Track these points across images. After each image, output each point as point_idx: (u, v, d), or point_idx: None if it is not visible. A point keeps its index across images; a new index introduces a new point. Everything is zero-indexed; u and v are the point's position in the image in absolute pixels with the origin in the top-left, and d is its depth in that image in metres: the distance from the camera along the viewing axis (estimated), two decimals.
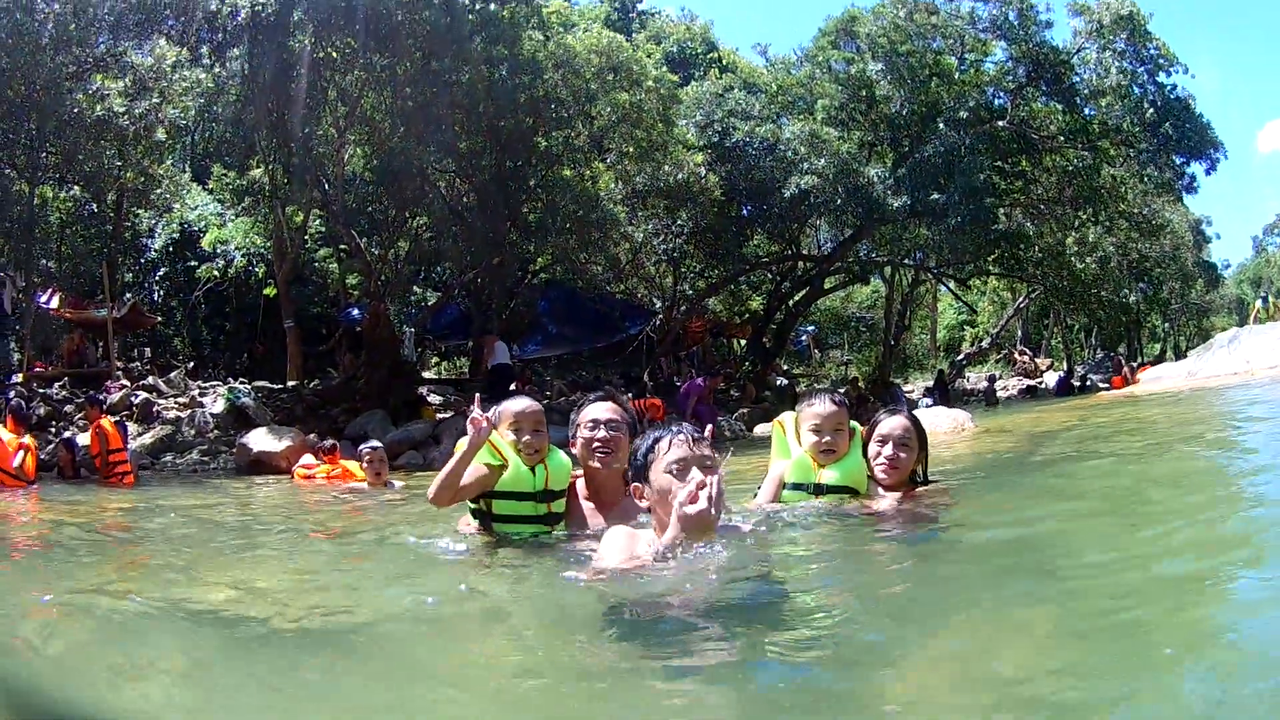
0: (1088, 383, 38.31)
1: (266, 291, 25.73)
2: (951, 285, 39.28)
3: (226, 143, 21.10)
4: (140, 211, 26.73)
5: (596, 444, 4.61)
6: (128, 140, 18.56)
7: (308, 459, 13.05)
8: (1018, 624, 2.82)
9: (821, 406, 4.90)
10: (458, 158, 20.72)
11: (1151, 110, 29.25)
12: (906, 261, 34.59)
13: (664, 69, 23.88)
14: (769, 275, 35.83)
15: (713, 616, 2.98)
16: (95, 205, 24.93)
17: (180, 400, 20.42)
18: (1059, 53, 29.52)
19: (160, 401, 20.01)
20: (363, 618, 3.41)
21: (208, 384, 23.05)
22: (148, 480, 13.99)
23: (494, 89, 19.60)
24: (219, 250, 26.27)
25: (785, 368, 38.55)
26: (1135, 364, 42.38)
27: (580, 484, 4.79)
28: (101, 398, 17.43)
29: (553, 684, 2.62)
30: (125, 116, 17.68)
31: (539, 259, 27.52)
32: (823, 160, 25.76)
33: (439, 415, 19.88)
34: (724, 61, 33.27)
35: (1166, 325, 67.36)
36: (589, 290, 30.40)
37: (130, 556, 5.62)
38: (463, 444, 4.41)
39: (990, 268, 34.65)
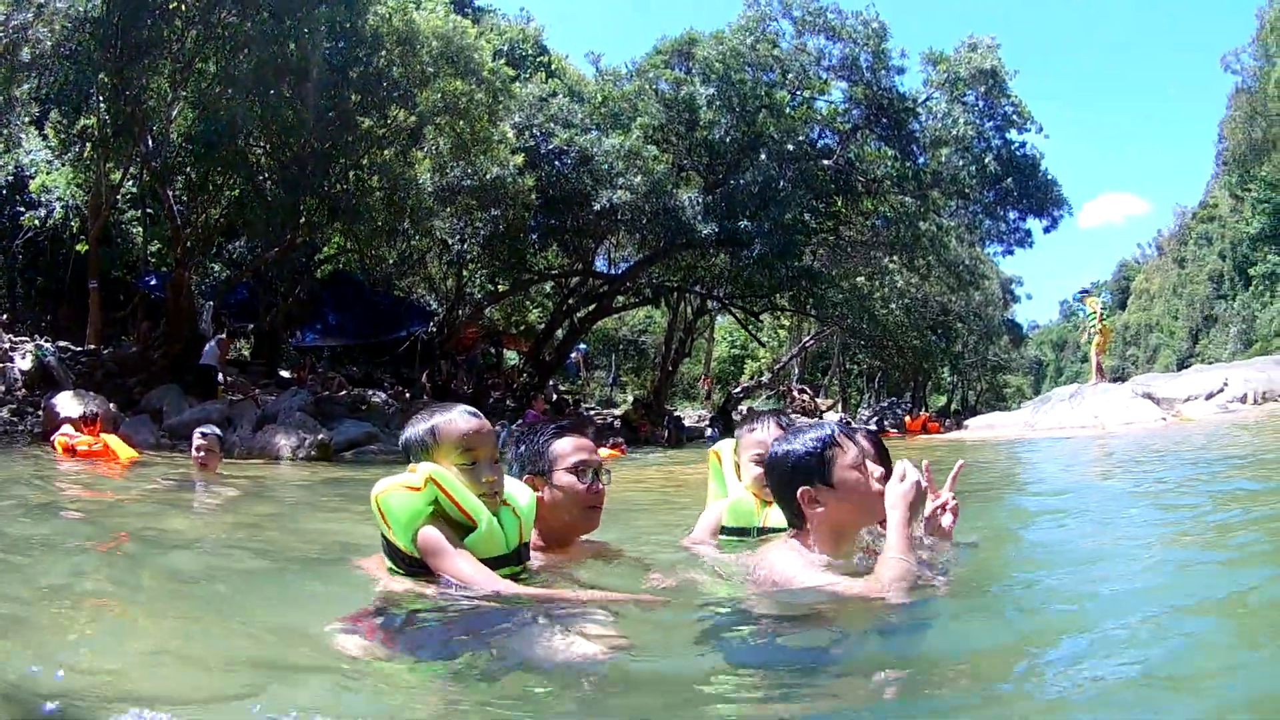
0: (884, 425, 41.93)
1: (79, 248, 26.57)
2: (739, 315, 41.86)
3: (68, 85, 21.57)
4: None
5: (594, 499, 4.16)
6: None
7: (67, 428, 13.25)
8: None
9: (766, 433, 4.59)
10: (277, 129, 22.16)
11: (994, 164, 32.35)
12: (698, 288, 37.31)
13: (501, 62, 25.36)
14: (554, 289, 38.23)
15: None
16: None
17: None
18: (904, 99, 32.61)
19: None
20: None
21: (19, 339, 23.97)
22: None
23: (329, 60, 21.15)
24: (43, 199, 27.01)
25: (552, 384, 40.84)
26: (921, 413, 47.15)
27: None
28: None
29: None
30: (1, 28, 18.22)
31: (325, 248, 29.27)
32: (638, 178, 27.90)
33: (228, 397, 21.15)
34: (553, 66, 35.31)
35: (954, 378, 72.82)
36: (374, 284, 32.27)
37: None
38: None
39: (784, 303, 37.46)
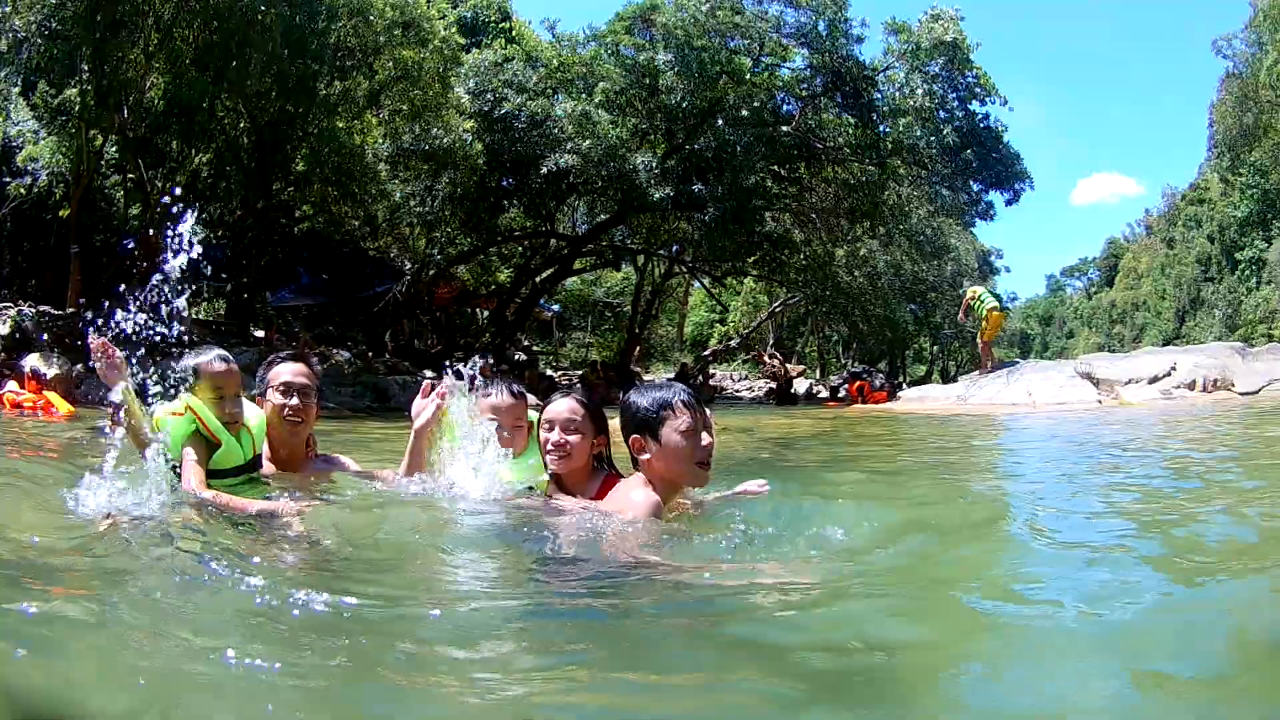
0: (839, 394, 42.36)
1: (62, 214, 27.72)
2: (705, 281, 43.20)
3: (54, 58, 22.85)
4: None
5: (289, 411, 5.16)
6: None
7: (12, 385, 13.87)
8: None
9: (499, 398, 4.98)
10: (245, 98, 23.57)
11: (953, 135, 32.97)
12: (661, 252, 38.55)
13: (454, 30, 26.59)
14: (520, 249, 39.31)
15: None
16: None
17: None
18: (864, 68, 32.92)
19: None
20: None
21: (2, 305, 24.84)
22: None
23: (289, 32, 22.40)
24: (29, 168, 28.29)
25: (525, 343, 42.07)
26: (895, 382, 47.34)
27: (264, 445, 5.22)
28: None
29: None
30: None
31: (303, 208, 30.29)
32: (588, 142, 28.85)
33: None
34: (514, 32, 36.35)
35: (935, 348, 72.87)
36: (345, 244, 33.23)
37: None
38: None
39: (750, 269, 38.77)
